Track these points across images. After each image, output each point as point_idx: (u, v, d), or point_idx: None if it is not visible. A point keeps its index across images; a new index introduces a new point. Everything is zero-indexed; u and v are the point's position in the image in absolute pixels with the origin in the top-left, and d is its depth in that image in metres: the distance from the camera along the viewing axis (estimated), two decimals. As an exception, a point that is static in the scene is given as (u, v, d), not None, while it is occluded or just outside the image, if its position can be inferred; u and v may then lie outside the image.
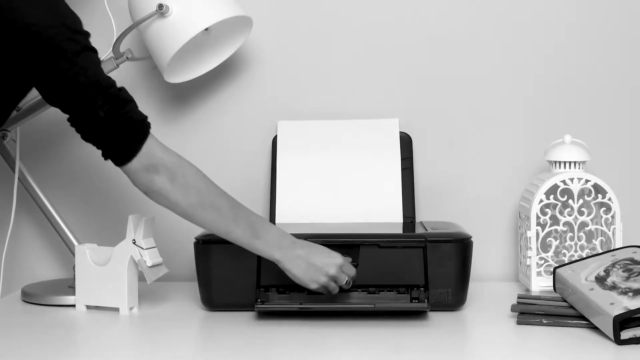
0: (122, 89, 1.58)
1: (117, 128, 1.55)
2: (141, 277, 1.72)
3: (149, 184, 1.57)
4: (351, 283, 1.64)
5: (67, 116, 1.57)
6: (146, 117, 1.59)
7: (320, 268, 1.61)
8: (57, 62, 1.51)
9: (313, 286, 1.61)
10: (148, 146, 1.57)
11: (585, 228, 1.85)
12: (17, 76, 1.56)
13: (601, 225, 1.85)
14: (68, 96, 1.53)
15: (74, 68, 1.52)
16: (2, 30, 1.49)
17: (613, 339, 1.48)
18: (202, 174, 1.61)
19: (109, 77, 1.57)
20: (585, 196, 1.85)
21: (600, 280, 1.59)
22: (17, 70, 1.54)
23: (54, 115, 1.90)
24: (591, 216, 1.85)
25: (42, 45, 1.50)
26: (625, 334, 1.47)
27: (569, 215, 1.84)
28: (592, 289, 1.57)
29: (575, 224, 1.85)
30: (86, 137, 1.57)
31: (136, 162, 1.56)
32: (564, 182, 1.83)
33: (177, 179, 1.57)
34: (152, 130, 1.59)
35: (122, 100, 1.56)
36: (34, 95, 1.82)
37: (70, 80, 1.52)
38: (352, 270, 1.64)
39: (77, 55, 1.52)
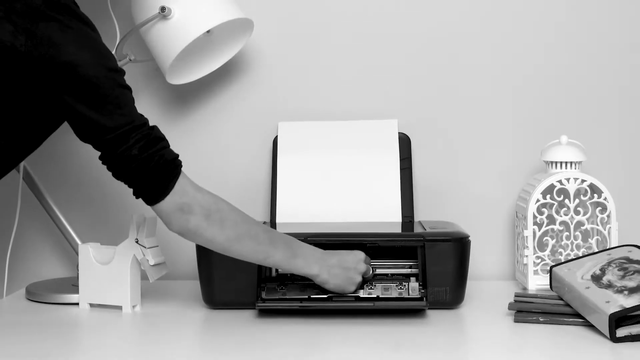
0: (155, 127, 1.55)
1: (149, 167, 1.52)
2: (144, 276, 1.72)
3: (184, 223, 1.54)
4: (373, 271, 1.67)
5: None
6: (177, 155, 1.56)
7: (354, 269, 1.63)
8: (93, 100, 1.49)
9: (352, 288, 1.63)
10: (180, 185, 1.54)
11: (581, 227, 1.85)
12: (46, 113, 1.54)
13: (597, 225, 1.85)
14: (102, 133, 1.51)
15: (108, 106, 1.50)
16: (40, 65, 1.47)
17: (609, 336, 1.48)
18: (234, 207, 1.59)
19: (142, 115, 1.55)
20: (582, 196, 1.85)
21: (596, 278, 1.59)
22: (47, 107, 1.52)
23: (58, 116, 1.90)
24: (587, 215, 1.85)
25: (80, 83, 1.48)
26: (621, 332, 1.47)
27: (565, 214, 1.84)
28: (588, 288, 1.57)
29: (572, 223, 1.85)
30: (118, 175, 1.55)
31: (169, 201, 1.53)
32: (560, 182, 1.83)
33: (212, 216, 1.55)
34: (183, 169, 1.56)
35: (155, 138, 1.53)
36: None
37: (105, 118, 1.50)
38: (369, 259, 1.67)
39: (113, 93, 1.50)
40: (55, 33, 1.48)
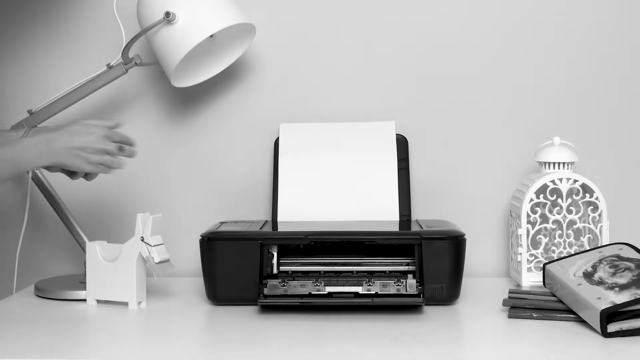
0: None
1: None
2: (149, 273, 1.72)
3: None
4: (128, 150, 1.61)
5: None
6: None
7: (86, 148, 1.58)
8: None
9: (89, 168, 1.60)
10: None
11: (574, 226, 1.85)
12: None
13: (589, 223, 1.85)
14: None
15: None
16: None
17: (600, 332, 1.48)
18: None
19: None
20: (574, 195, 1.85)
21: (588, 275, 1.59)
22: None
23: (65, 116, 1.90)
24: (579, 214, 1.85)
25: None
26: (612, 327, 1.47)
27: (558, 213, 1.84)
28: (580, 284, 1.57)
29: (564, 222, 1.85)
30: None
31: None
32: (553, 182, 1.83)
33: None
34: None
35: None
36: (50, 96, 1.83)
37: None
38: (118, 135, 1.61)
39: None
40: None
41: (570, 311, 1.58)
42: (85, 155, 1.58)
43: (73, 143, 1.57)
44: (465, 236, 1.71)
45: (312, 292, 1.66)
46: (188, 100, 2.02)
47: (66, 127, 1.58)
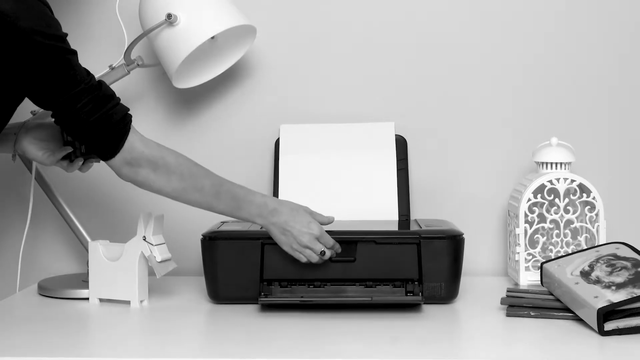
0: (102, 85, 1.55)
1: (98, 129, 1.54)
2: (151, 272, 1.72)
3: (133, 175, 1.59)
4: (328, 254, 1.65)
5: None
6: (127, 110, 1.58)
7: (295, 236, 1.64)
8: (41, 66, 1.48)
9: (286, 248, 1.65)
10: (129, 142, 1.57)
11: (571, 225, 1.85)
12: (11, 82, 1.52)
13: (586, 223, 1.85)
14: (51, 97, 1.51)
15: (56, 70, 1.49)
16: (5, 36, 1.46)
17: (597, 330, 1.48)
18: (184, 159, 1.62)
19: (89, 74, 1.54)
20: (571, 195, 1.85)
21: (585, 274, 1.59)
22: (10, 75, 1.50)
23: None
24: (576, 214, 1.85)
25: (31, 50, 1.46)
26: (609, 326, 1.47)
27: (556, 213, 1.85)
28: (577, 283, 1.57)
29: (562, 221, 1.85)
30: (71, 135, 1.58)
31: (119, 158, 1.57)
32: (550, 182, 1.83)
33: (159, 169, 1.59)
34: (134, 124, 1.58)
35: (103, 98, 1.54)
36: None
37: (54, 82, 1.49)
38: (329, 242, 1.66)
39: (60, 59, 1.49)
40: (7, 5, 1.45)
41: (568, 310, 1.58)
42: (291, 240, 1.64)
43: (288, 225, 1.64)
44: (463, 235, 1.71)
45: (312, 287, 1.66)
46: (189, 101, 2.02)
47: (295, 207, 1.66)
